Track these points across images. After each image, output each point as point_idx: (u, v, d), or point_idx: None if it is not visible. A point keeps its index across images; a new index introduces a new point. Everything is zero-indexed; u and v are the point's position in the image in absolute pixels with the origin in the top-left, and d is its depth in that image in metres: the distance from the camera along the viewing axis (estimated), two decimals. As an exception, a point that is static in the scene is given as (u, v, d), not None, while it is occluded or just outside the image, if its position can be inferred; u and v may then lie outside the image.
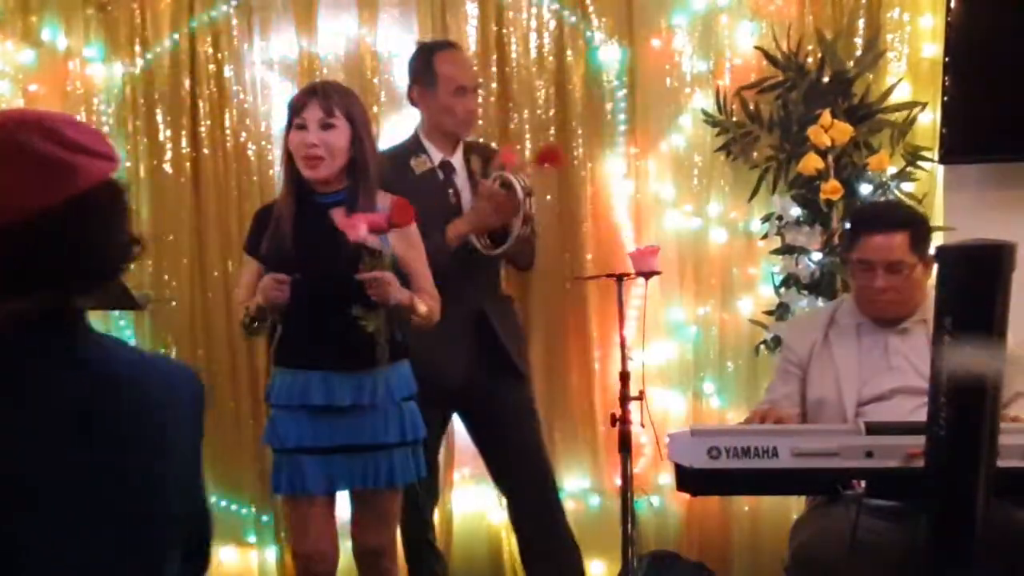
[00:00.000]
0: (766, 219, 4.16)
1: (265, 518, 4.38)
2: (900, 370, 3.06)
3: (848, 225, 3.29)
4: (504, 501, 4.01)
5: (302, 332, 3.17)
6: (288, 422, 3.16)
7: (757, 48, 4.19)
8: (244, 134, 4.38)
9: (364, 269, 2.99)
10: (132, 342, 4.40)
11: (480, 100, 4.29)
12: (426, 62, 3.75)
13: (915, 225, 3.10)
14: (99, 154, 1.55)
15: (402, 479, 3.20)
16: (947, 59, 3.99)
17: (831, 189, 3.93)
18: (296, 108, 3.15)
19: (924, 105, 4.10)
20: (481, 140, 4.11)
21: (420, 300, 3.14)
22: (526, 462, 3.81)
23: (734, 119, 4.17)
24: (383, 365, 3.07)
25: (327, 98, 3.11)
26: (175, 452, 1.62)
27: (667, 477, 4.12)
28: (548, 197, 4.25)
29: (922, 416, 2.36)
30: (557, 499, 3.89)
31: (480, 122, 4.24)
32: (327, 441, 3.12)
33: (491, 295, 3.80)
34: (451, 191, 3.69)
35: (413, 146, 3.75)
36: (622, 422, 3.44)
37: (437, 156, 3.73)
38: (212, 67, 4.36)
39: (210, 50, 4.36)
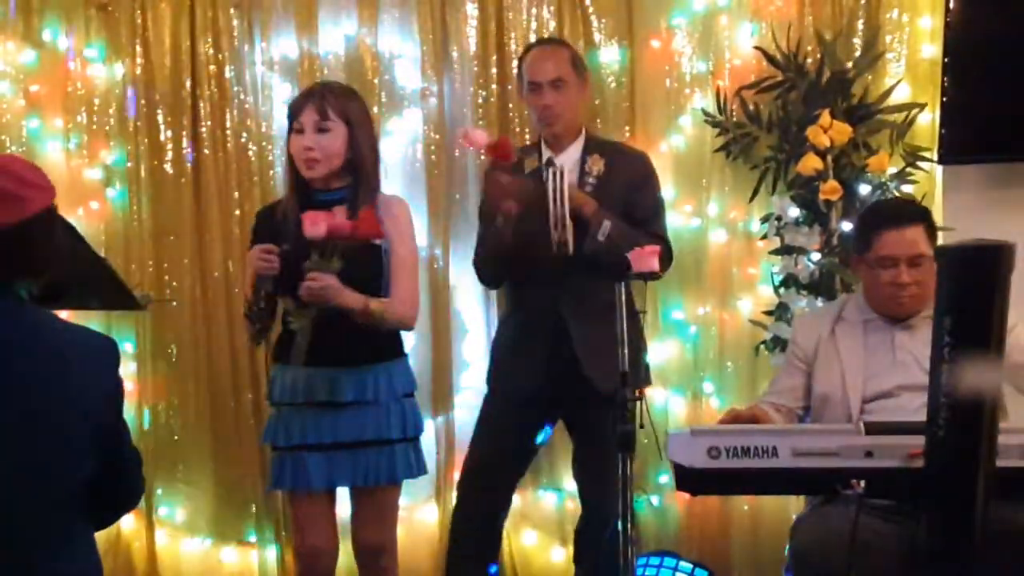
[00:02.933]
0: (765, 219, 4.16)
1: (265, 518, 4.38)
2: (905, 365, 3.06)
3: (858, 226, 3.28)
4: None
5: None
6: (292, 419, 3.17)
7: (757, 48, 4.19)
8: (244, 134, 4.39)
9: (309, 267, 2.99)
10: (132, 342, 4.41)
11: (481, 100, 4.31)
12: (520, 60, 3.75)
13: (926, 218, 3.14)
14: (42, 187, 2.17)
15: (403, 475, 3.22)
16: (946, 60, 3.99)
17: (830, 189, 3.94)
18: (293, 112, 3.19)
19: (923, 106, 4.10)
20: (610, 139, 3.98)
21: (376, 303, 3.09)
22: (595, 487, 3.67)
23: (734, 119, 4.17)
24: (299, 361, 3.07)
25: (322, 101, 3.14)
26: (69, 403, 2.13)
27: (667, 477, 4.13)
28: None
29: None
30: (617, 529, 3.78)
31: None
32: (330, 437, 3.14)
33: (578, 305, 3.56)
34: (552, 189, 3.46)
35: (533, 146, 3.72)
36: (622, 422, 3.44)
37: (546, 155, 3.64)
38: (212, 67, 4.37)
39: (211, 50, 4.37)
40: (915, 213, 3.17)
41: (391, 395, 3.18)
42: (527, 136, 4.29)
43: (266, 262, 3.05)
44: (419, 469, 3.28)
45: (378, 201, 3.20)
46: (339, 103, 3.15)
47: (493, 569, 3.85)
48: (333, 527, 3.29)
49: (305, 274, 2.99)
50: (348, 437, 3.14)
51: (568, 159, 3.60)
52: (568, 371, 3.52)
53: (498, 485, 3.73)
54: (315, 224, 2.94)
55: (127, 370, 4.44)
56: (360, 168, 3.17)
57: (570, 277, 3.50)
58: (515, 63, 4.24)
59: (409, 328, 3.23)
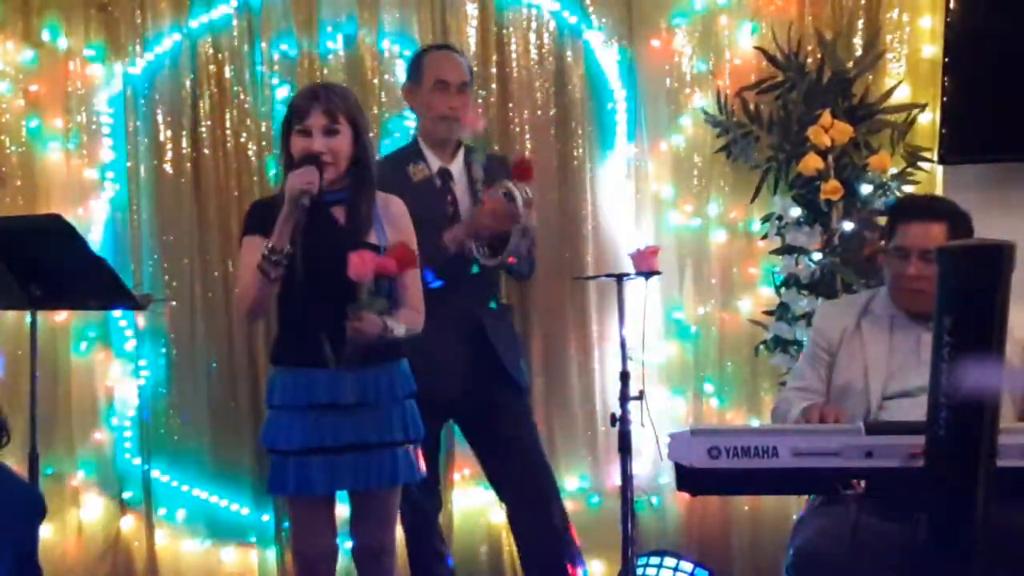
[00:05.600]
0: (766, 219, 4.16)
1: (265, 518, 4.38)
2: (929, 366, 3.03)
3: (887, 217, 3.29)
4: (504, 507, 3.98)
5: (304, 330, 3.16)
6: (293, 422, 3.13)
7: (757, 48, 4.19)
8: (244, 134, 4.38)
9: (359, 307, 2.96)
10: (132, 342, 4.42)
11: (481, 100, 4.31)
12: (417, 60, 3.79)
13: (954, 218, 3.09)
14: None
15: (404, 478, 3.19)
16: (946, 59, 3.99)
17: (831, 189, 3.94)
18: (299, 113, 3.12)
19: (924, 106, 4.10)
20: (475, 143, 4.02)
21: (396, 321, 3.06)
22: (525, 473, 3.76)
23: (734, 119, 4.17)
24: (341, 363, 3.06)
25: (330, 103, 3.10)
26: None
27: (667, 477, 4.12)
28: (549, 197, 4.25)
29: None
30: (559, 507, 3.84)
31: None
32: (333, 441, 3.10)
33: (488, 305, 3.74)
34: (448, 199, 3.65)
35: (412, 152, 3.73)
36: (622, 422, 3.44)
37: (435, 163, 3.68)
38: (212, 67, 4.37)
39: (210, 50, 4.37)
40: (940, 210, 3.13)
41: (392, 397, 3.15)
42: (528, 137, 4.30)
43: (308, 179, 2.99)
44: (420, 472, 3.24)
45: (378, 201, 3.19)
46: (345, 105, 3.12)
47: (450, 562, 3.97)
48: (333, 530, 3.27)
49: (352, 314, 2.96)
50: (350, 440, 3.11)
51: (457, 166, 3.69)
52: (489, 367, 3.65)
53: (433, 496, 3.83)
54: (363, 269, 2.94)
55: (127, 369, 4.45)
56: (365, 170, 3.15)
57: (480, 279, 3.61)
58: (516, 60, 4.25)
59: (420, 332, 3.19)
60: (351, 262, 2.94)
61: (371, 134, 3.30)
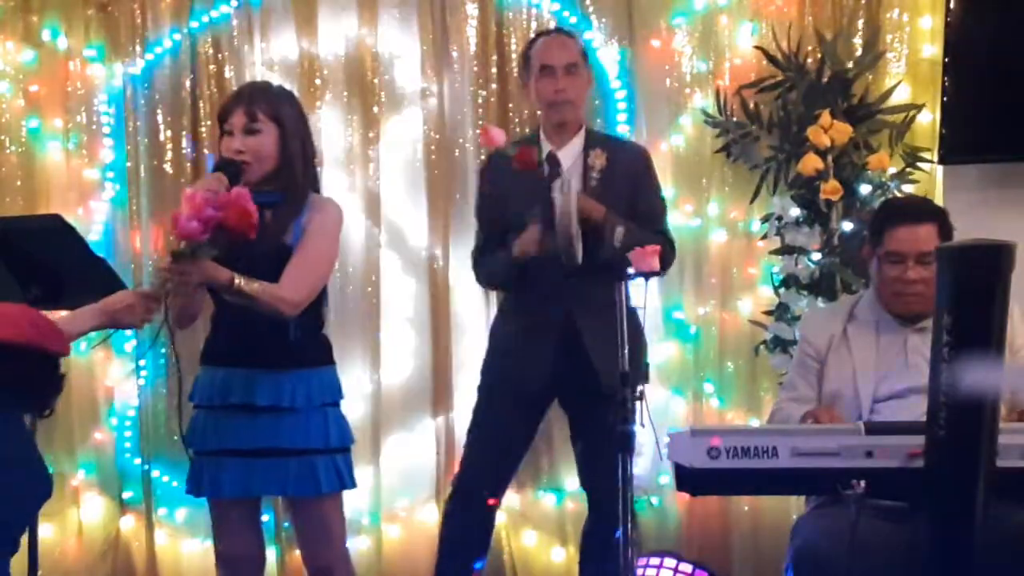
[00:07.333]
0: (766, 219, 4.16)
1: (265, 518, 4.36)
2: (917, 368, 3.02)
3: (872, 221, 3.27)
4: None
5: (226, 330, 3.11)
6: (209, 423, 3.08)
7: (757, 48, 4.19)
8: (244, 134, 4.38)
9: (174, 255, 2.82)
10: (132, 341, 4.42)
11: (481, 100, 4.31)
12: (526, 51, 3.70)
13: (941, 217, 3.09)
14: None
15: (328, 487, 3.07)
16: (946, 60, 3.99)
17: (831, 189, 3.94)
18: (223, 115, 3.06)
19: (923, 106, 4.10)
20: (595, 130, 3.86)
21: (250, 281, 2.90)
22: (605, 486, 3.70)
23: (734, 119, 4.17)
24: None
25: (251, 103, 3.01)
26: None
27: (667, 477, 4.13)
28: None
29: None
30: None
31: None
32: (247, 443, 3.02)
33: (584, 299, 3.49)
34: (554, 186, 3.40)
35: (530, 140, 3.62)
36: (622, 422, 3.43)
37: (546, 149, 3.54)
38: (212, 67, 4.38)
39: (210, 50, 4.38)
40: (929, 211, 3.13)
41: (310, 403, 3.05)
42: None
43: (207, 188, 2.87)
44: (349, 482, 3.13)
45: (310, 202, 3.07)
46: (269, 105, 3.03)
47: (480, 564, 3.85)
48: (255, 533, 3.19)
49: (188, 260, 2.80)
50: (265, 444, 3.01)
51: (569, 153, 3.55)
52: (577, 366, 3.49)
53: (497, 482, 3.72)
54: (183, 221, 2.75)
55: (127, 369, 4.45)
56: (289, 171, 3.03)
57: (575, 275, 3.45)
58: (516, 61, 4.25)
59: (284, 315, 2.97)
60: (184, 197, 2.80)
61: (312, 134, 3.15)
